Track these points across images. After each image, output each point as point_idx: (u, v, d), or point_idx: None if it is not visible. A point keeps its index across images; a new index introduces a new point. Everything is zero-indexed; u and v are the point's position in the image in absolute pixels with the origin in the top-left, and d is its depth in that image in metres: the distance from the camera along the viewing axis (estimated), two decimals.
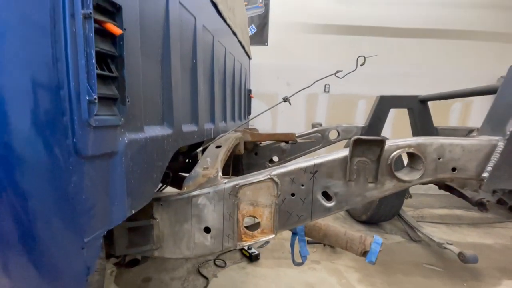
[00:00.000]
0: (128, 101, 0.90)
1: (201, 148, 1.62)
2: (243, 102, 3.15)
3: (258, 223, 1.25)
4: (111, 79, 0.84)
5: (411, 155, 1.11)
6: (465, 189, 3.56)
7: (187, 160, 2.85)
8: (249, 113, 3.67)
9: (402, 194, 3.10)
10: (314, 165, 1.14)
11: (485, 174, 1.01)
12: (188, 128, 1.52)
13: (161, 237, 1.32)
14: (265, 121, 4.69)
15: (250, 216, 1.23)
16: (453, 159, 1.05)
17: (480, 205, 3.30)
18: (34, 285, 0.80)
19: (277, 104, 1.83)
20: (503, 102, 1.07)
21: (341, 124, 2.76)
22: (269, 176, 1.18)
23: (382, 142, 0.99)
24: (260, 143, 2.86)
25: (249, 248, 2.64)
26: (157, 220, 1.31)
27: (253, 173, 1.25)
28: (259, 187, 1.20)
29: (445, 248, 2.61)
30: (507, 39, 4.75)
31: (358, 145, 1.06)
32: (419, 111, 2.64)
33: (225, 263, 2.49)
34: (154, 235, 1.31)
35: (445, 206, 4.31)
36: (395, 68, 4.69)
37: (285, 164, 1.21)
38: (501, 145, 0.98)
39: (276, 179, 1.17)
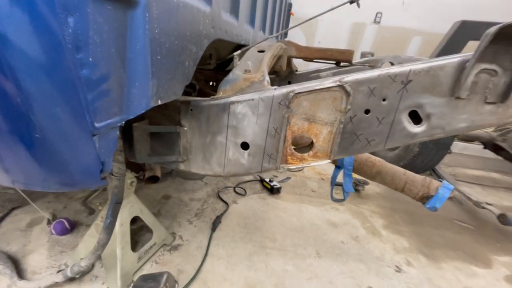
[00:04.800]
0: None
1: (238, 52, 1.28)
2: (282, 16, 2.61)
3: (310, 146, 0.99)
4: None
5: None
6: None
7: (210, 83, 2.54)
8: (286, 34, 3.13)
9: (446, 147, 2.77)
10: (410, 71, 0.80)
11: None
12: (227, 17, 1.15)
13: (188, 149, 1.11)
14: None
15: (301, 134, 0.96)
16: None
17: None
18: (37, 177, 0.61)
19: (342, 4, 1.38)
20: None
21: (399, 55, 2.26)
22: (339, 83, 0.86)
23: None
24: (297, 70, 2.46)
25: (270, 181, 2.52)
26: (185, 128, 1.08)
27: (314, 80, 0.93)
28: (321, 97, 0.90)
29: (483, 207, 2.39)
30: None
31: (495, 42, 0.69)
32: None
33: (245, 192, 2.41)
34: (180, 145, 1.10)
35: (481, 167, 3.98)
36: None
37: (363, 71, 0.87)
38: None
39: (349, 88, 0.85)
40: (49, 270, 1.40)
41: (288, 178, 2.82)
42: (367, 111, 0.87)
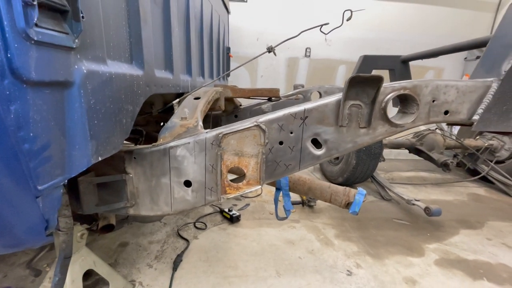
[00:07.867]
0: (83, 18, 0.72)
1: (177, 100, 1.45)
2: (221, 60, 2.92)
3: (243, 176, 1.17)
4: None
5: (404, 99, 1.06)
6: (432, 152, 3.79)
7: (161, 124, 2.66)
8: (228, 74, 3.46)
9: (377, 157, 3.21)
10: (305, 110, 1.05)
11: (476, 117, 1.00)
12: (161, 74, 1.33)
13: (135, 194, 1.20)
14: (244, 85, 4.51)
15: (234, 167, 1.14)
16: (446, 101, 1.02)
17: (445, 166, 3.55)
18: None
19: (261, 54, 1.67)
20: (497, 44, 1.03)
21: (323, 85, 2.69)
22: (255, 123, 1.08)
23: (379, 80, 0.92)
24: (241, 105, 2.72)
25: (229, 210, 2.62)
26: (131, 175, 1.17)
27: (237, 122, 1.14)
28: (244, 135, 1.10)
29: (413, 204, 2.79)
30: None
31: (353, 86, 0.98)
32: (400, 72, 2.63)
33: (206, 225, 2.46)
34: (127, 191, 1.18)
35: (412, 169, 4.61)
36: (379, 33, 4.59)
37: (273, 111, 1.11)
38: (495, 85, 0.97)
39: (264, 126, 1.07)
40: None
41: (247, 204, 2.95)
42: (281, 143, 1.09)
